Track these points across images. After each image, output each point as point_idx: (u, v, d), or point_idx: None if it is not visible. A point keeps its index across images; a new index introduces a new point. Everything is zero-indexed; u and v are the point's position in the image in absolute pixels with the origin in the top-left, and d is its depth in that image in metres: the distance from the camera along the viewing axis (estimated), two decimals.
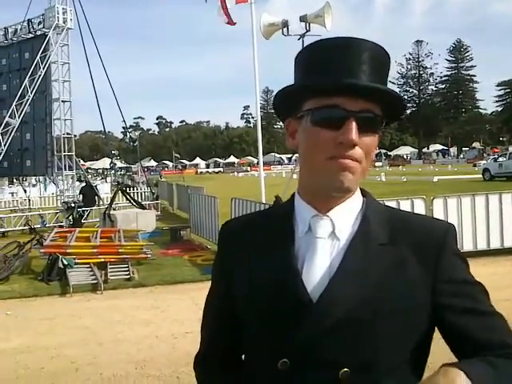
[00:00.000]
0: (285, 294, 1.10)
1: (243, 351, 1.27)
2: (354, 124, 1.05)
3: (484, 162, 48.27)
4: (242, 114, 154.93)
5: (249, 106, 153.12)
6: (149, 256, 10.22)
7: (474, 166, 55.16)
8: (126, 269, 9.39)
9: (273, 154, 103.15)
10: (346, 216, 1.15)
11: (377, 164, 73.73)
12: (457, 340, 1.11)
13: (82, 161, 44.65)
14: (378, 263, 1.10)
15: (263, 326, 1.14)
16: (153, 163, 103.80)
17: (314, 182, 1.14)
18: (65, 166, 18.49)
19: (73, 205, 16.69)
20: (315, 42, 1.13)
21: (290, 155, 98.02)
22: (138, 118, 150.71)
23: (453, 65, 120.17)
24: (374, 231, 1.13)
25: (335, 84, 1.06)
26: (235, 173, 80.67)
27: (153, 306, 7.45)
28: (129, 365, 5.33)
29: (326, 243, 1.13)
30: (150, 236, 13.43)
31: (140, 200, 19.62)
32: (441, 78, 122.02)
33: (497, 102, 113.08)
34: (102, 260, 9.64)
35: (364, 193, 1.21)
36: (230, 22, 11.12)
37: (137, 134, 40.76)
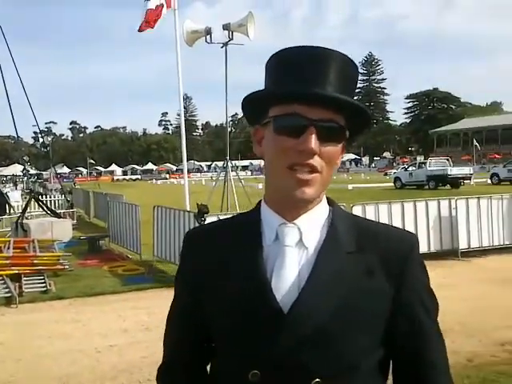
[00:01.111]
0: (254, 305, 1.09)
1: (208, 362, 1.24)
2: (313, 132, 1.05)
3: (394, 170, 50.47)
4: (160, 121, 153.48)
5: (167, 113, 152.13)
6: (66, 267, 9.81)
7: (385, 174, 57.53)
8: (42, 281, 8.96)
9: (192, 161, 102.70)
10: (313, 224, 1.15)
11: None
12: (394, 352, 1.15)
13: None
14: (347, 272, 1.10)
15: (233, 337, 1.13)
16: (66, 170, 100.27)
17: (277, 190, 1.14)
18: None
19: None
20: (285, 49, 1.12)
21: (209, 163, 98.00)
22: (50, 122, 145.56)
23: (365, 77, 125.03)
24: (341, 239, 1.14)
25: (296, 92, 1.06)
26: (154, 180, 79.54)
27: (73, 319, 7.15)
28: (50, 382, 5.06)
29: (293, 251, 1.12)
30: (66, 246, 12.89)
31: (54, 208, 18.88)
32: None
33: (406, 113, 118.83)
34: (16, 272, 9.14)
35: (330, 201, 1.21)
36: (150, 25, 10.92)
37: (49, 139, 39.18)
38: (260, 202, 1.22)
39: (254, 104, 1.15)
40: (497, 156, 74.05)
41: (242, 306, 1.10)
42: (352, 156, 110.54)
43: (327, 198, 1.21)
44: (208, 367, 1.27)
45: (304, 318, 1.06)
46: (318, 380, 1.06)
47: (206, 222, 8.13)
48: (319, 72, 1.07)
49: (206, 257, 1.20)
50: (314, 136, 1.05)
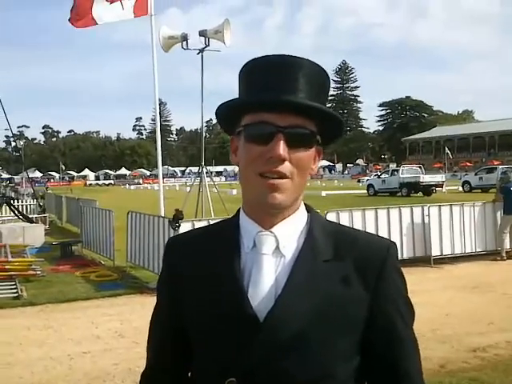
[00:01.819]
0: (231, 312, 1.10)
1: (189, 368, 1.24)
2: (281, 139, 1.07)
3: (367, 177, 50.88)
4: (134, 126, 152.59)
5: (141, 118, 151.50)
6: (38, 273, 9.67)
7: (359, 181, 58.03)
8: (14, 287, 8.82)
9: (166, 166, 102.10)
10: (290, 232, 1.16)
11: None
12: (370, 359, 1.15)
13: None
14: (324, 280, 1.11)
15: (210, 345, 1.13)
16: (38, 174, 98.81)
17: (251, 197, 1.16)
18: None
19: None
20: (256, 58, 1.15)
21: (183, 168, 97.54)
22: (23, 126, 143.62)
23: (338, 85, 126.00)
24: (318, 247, 1.15)
25: (263, 100, 1.08)
26: (127, 185, 78.95)
27: (45, 325, 7.04)
28: None
29: (270, 259, 1.13)
30: (38, 251, 12.72)
31: (26, 213, 18.61)
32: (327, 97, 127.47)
33: (378, 121, 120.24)
34: None
35: (308, 208, 1.22)
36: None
37: (21, 143, 38.75)
38: (239, 209, 1.23)
39: (226, 114, 1.17)
40: (468, 164, 75.37)
41: (218, 313, 1.12)
42: (325, 163, 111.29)
43: (305, 205, 1.22)
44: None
45: (279, 325, 1.07)
46: None
47: (180, 228, 8.10)
48: (289, 80, 1.09)
49: (185, 264, 1.21)
50: (282, 142, 1.07)
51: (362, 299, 1.12)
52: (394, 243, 1.22)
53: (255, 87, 1.11)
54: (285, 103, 1.07)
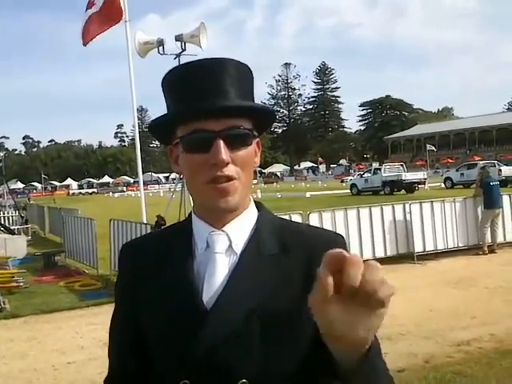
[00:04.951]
0: (183, 313, 1.10)
1: (150, 373, 1.23)
2: (221, 143, 1.07)
3: (350, 177, 51.09)
4: (116, 133, 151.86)
5: (122, 125, 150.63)
6: (21, 284, 9.60)
7: (342, 181, 58.20)
8: None
9: (149, 173, 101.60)
10: (241, 230, 1.17)
11: (253, 182, 75.68)
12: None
13: None
14: (268, 274, 1.12)
15: (164, 348, 1.13)
16: (20, 185, 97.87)
17: (202, 203, 1.17)
18: None
19: None
20: (177, 67, 1.16)
21: (167, 174, 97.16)
22: (2, 137, 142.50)
23: (319, 86, 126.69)
24: (264, 242, 1.16)
25: (194, 109, 1.09)
26: (110, 193, 78.46)
27: (29, 337, 6.98)
28: None
29: (224, 258, 1.14)
30: (20, 263, 12.59)
31: (8, 224, 18.45)
32: (308, 98, 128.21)
33: (360, 121, 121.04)
34: None
35: (258, 206, 1.24)
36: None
37: (1, 154, 38.55)
38: (191, 212, 1.24)
39: (160, 128, 1.18)
40: (449, 160, 76.01)
41: (171, 314, 1.12)
42: (309, 164, 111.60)
43: (255, 203, 1.23)
44: None
45: (222, 319, 1.08)
46: (244, 381, 1.06)
47: None
48: (216, 83, 1.10)
49: (139, 268, 1.21)
50: (222, 147, 1.07)
51: (306, 294, 1.12)
52: (342, 236, 1.23)
53: (183, 97, 1.11)
54: (218, 109, 1.08)
